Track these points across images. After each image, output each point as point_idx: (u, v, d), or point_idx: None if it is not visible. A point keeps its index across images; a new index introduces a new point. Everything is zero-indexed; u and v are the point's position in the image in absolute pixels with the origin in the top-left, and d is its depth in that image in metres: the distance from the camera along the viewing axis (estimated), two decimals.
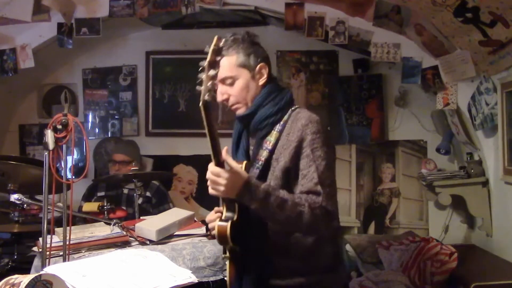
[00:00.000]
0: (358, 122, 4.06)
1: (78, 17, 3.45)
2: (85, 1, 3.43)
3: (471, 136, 3.29)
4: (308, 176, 1.57)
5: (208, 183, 1.49)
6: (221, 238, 1.53)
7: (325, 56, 4.10)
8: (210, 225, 1.68)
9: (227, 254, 1.62)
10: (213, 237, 2.34)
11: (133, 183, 3.19)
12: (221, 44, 1.45)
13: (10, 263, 2.77)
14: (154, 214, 3.16)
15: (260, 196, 1.50)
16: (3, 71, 3.58)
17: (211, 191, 1.50)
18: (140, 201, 3.26)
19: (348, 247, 3.55)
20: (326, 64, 4.12)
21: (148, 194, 3.61)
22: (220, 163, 1.47)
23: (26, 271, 2.10)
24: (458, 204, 3.61)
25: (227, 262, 1.64)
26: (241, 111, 1.71)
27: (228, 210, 1.56)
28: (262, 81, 1.71)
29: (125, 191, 3.61)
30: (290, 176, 1.61)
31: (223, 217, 1.55)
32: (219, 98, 1.69)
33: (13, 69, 3.56)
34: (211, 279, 2.13)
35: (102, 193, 3.63)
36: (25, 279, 1.27)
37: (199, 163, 4.24)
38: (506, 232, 2.97)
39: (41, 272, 1.40)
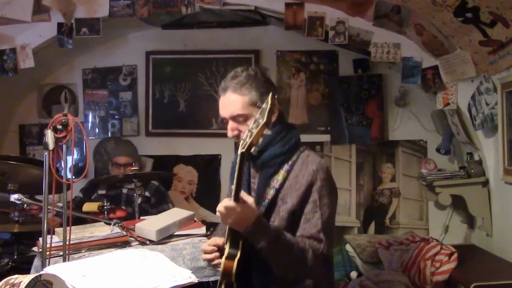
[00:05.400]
0: (358, 122, 4.06)
1: (78, 17, 3.45)
2: (85, 1, 3.43)
3: (471, 136, 3.29)
4: (312, 222, 1.61)
5: (218, 214, 1.49)
6: (226, 274, 1.53)
7: (325, 56, 4.10)
8: (204, 256, 1.70)
9: None
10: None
11: (133, 183, 3.19)
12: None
13: (10, 263, 2.77)
14: (153, 214, 3.16)
15: (271, 236, 1.52)
16: (3, 71, 3.57)
17: (222, 221, 1.50)
18: (139, 200, 3.26)
19: (348, 247, 3.54)
20: (326, 64, 4.13)
21: (147, 194, 3.61)
22: (237, 199, 1.47)
23: (26, 271, 2.11)
24: (458, 204, 3.61)
25: None
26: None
27: (231, 246, 1.56)
28: (273, 120, 1.69)
29: (124, 190, 3.61)
30: (295, 218, 1.63)
31: (226, 254, 1.55)
32: (230, 134, 1.69)
33: (13, 69, 3.56)
34: (211, 279, 2.13)
35: (103, 191, 3.63)
36: (25, 279, 1.27)
37: (199, 163, 4.25)
38: (506, 232, 2.97)
39: (41, 272, 1.40)
